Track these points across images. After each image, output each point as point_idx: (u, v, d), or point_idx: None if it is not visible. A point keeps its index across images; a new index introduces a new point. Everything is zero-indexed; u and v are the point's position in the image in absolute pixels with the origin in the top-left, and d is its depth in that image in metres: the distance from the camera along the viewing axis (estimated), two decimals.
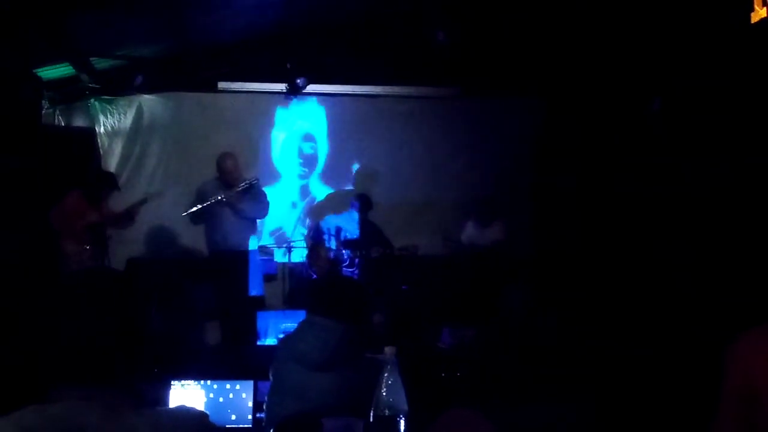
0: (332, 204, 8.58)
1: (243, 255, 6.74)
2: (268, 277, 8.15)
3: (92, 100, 8.20)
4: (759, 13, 5.05)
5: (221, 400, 3.18)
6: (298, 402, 2.71)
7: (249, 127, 8.64)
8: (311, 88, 8.50)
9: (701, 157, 6.05)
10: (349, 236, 7.53)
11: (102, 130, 8.27)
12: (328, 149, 8.91)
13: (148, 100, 8.37)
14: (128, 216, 6.76)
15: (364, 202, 7.70)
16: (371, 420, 1.93)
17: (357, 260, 7.55)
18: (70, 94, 8.05)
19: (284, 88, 8.44)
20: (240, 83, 8.56)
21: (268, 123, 8.78)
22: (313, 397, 2.70)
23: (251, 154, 8.49)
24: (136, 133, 8.38)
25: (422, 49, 7.84)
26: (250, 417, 3.17)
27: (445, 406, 1.92)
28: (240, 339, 6.35)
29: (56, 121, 8.11)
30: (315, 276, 7.37)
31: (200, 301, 6.82)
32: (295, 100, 8.70)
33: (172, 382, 3.18)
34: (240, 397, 3.19)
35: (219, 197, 6.57)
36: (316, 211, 8.70)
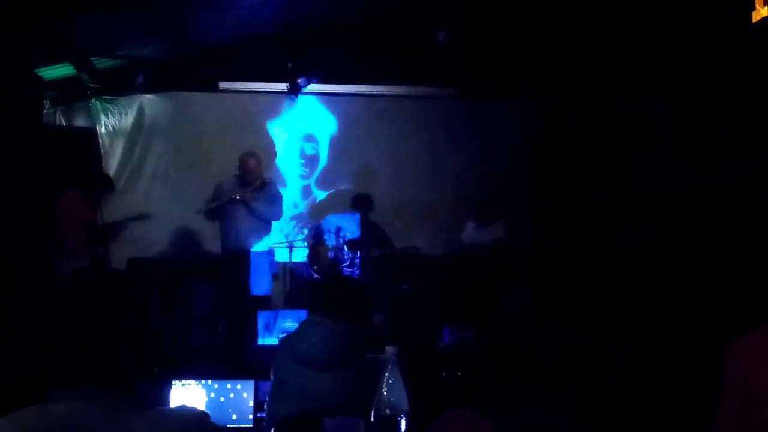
0: (333, 204, 8.58)
1: (244, 255, 6.74)
2: (271, 277, 8.15)
3: (93, 100, 8.20)
4: (760, 12, 5.04)
5: (222, 399, 3.18)
6: (299, 401, 2.71)
7: (250, 127, 8.64)
8: (312, 87, 8.50)
9: (702, 157, 6.04)
10: (349, 236, 7.53)
11: (103, 129, 8.27)
12: (329, 149, 8.92)
13: (149, 99, 8.38)
14: (115, 230, 6.75)
15: (364, 202, 7.70)
16: (372, 419, 1.93)
17: (358, 260, 7.54)
18: (71, 94, 8.06)
19: (285, 87, 8.44)
20: (241, 83, 8.56)
21: (269, 123, 8.78)
22: (314, 397, 2.70)
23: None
24: (137, 132, 8.38)
25: (423, 49, 7.84)
26: (251, 417, 3.17)
27: (446, 405, 1.92)
28: (241, 338, 6.35)
29: (57, 121, 8.13)
30: (316, 276, 7.37)
31: (201, 300, 6.82)
32: (296, 100, 8.70)
33: (173, 382, 3.18)
34: (241, 396, 3.19)
35: (234, 196, 6.60)
36: (317, 211, 8.71)
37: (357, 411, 2.21)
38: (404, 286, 7.26)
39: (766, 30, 5.00)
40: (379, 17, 7.62)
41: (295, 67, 8.22)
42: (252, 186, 6.68)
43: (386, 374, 1.92)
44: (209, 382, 3.19)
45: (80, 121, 8.29)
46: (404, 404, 1.91)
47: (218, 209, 6.71)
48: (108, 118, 8.29)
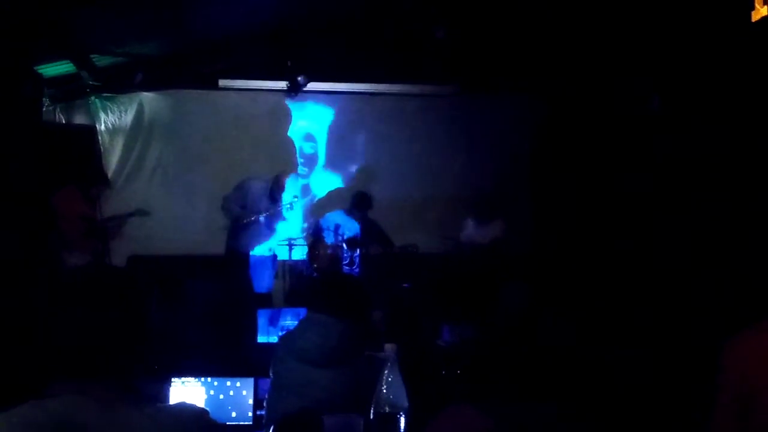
0: (332, 202, 8.58)
1: (244, 254, 6.78)
2: None
3: (93, 98, 8.20)
4: (759, 12, 5.04)
5: (221, 397, 3.19)
6: (299, 399, 2.71)
7: (249, 125, 8.64)
8: (312, 85, 8.50)
9: (701, 156, 6.04)
10: (349, 234, 7.53)
11: (103, 127, 8.27)
12: (328, 147, 8.92)
13: (148, 97, 8.37)
14: (115, 223, 6.79)
15: (364, 200, 7.69)
16: (372, 417, 1.93)
17: (357, 258, 7.55)
18: (70, 91, 8.05)
19: (285, 85, 8.44)
20: (241, 81, 8.56)
21: (268, 120, 8.78)
22: (313, 394, 2.70)
23: (252, 151, 8.50)
24: (137, 130, 8.38)
25: (422, 47, 7.84)
26: (250, 414, 3.17)
27: (445, 403, 1.92)
28: (240, 336, 6.36)
29: (57, 118, 8.12)
30: (315, 274, 7.37)
31: (201, 298, 6.82)
32: (295, 98, 8.70)
33: (173, 379, 3.18)
34: (240, 394, 3.19)
35: (265, 214, 6.96)
36: (316, 209, 8.71)
37: (356, 408, 2.22)
38: (403, 284, 7.26)
39: (765, 29, 5.00)
40: (378, 15, 7.61)
41: (294, 65, 8.22)
42: (281, 203, 6.90)
43: (386, 372, 1.93)
44: (209, 379, 3.20)
45: (80, 119, 8.28)
46: (403, 402, 1.91)
47: (248, 217, 6.90)
48: (107, 115, 8.29)
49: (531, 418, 1.90)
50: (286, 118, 8.82)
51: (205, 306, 6.79)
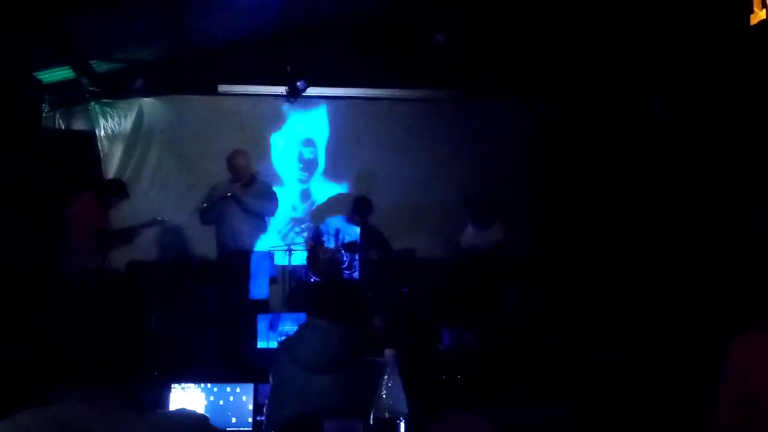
0: (332, 207, 8.57)
1: (245, 257, 6.74)
2: (270, 280, 8.14)
3: (92, 104, 8.20)
4: (758, 15, 5.05)
5: (221, 403, 3.18)
6: (299, 404, 2.71)
7: (249, 130, 8.64)
8: (311, 90, 8.50)
9: (700, 158, 6.05)
10: (348, 239, 7.52)
11: (102, 133, 8.27)
12: (328, 152, 8.92)
13: (148, 103, 8.38)
14: (128, 235, 6.83)
15: (365, 206, 7.68)
16: (371, 422, 1.93)
17: (356, 263, 7.54)
18: (70, 97, 8.06)
19: (284, 90, 8.44)
20: (240, 86, 8.56)
21: (268, 126, 8.78)
22: (313, 400, 2.70)
23: (251, 156, 8.48)
24: (137, 136, 8.38)
25: (422, 52, 7.85)
26: (250, 420, 3.17)
27: (445, 408, 1.92)
28: (239, 342, 6.35)
29: (56, 124, 8.12)
30: (315, 278, 7.36)
31: (201, 303, 6.81)
32: (295, 103, 8.70)
33: (173, 385, 3.18)
34: (240, 400, 3.19)
35: (226, 194, 6.62)
36: (316, 214, 8.71)
37: (356, 414, 2.21)
38: (403, 289, 7.25)
39: (764, 32, 5.00)
40: (378, 20, 7.63)
41: (294, 70, 8.22)
42: (239, 183, 6.69)
43: (385, 377, 1.92)
44: (209, 385, 3.19)
45: (79, 125, 8.29)
46: (403, 407, 1.91)
47: (211, 209, 6.72)
48: (107, 121, 8.29)
49: (531, 422, 1.89)
50: (285, 123, 8.82)
51: (204, 312, 6.79)
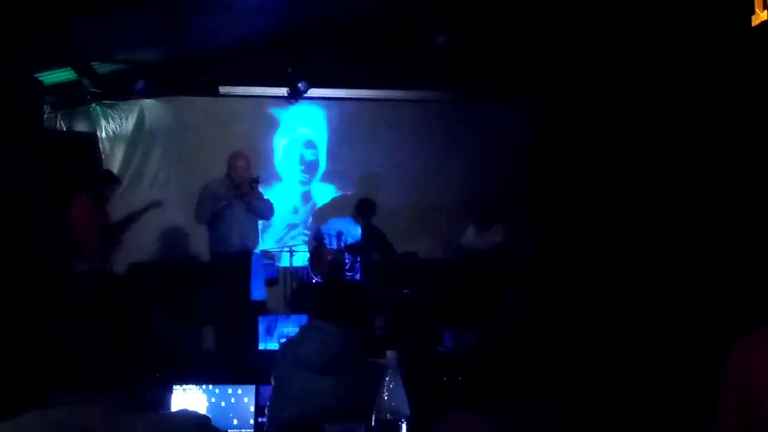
0: (334, 208, 8.58)
1: (245, 258, 6.73)
2: (270, 282, 8.14)
3: (94, 105, 8.20)
4: (760, 16, 5.04)
5: (223, 404, 3.18)
6: (300, 406, 2.71)
7: (250, 132, 8.64)
8: (312, 92, 8.50)
9: (701, 160, 6.04)
10: (350, 240, 7.52)
11: (103, 134, 8.28)
12: (329, 153, 8.92)
13: (149, 104, 8.38)
14: (129, 222, 6.90)
15: (368, 207, 7.67)
16: (373, 424, 1.92)
17: (358, 265, 7.54)
18: (71, 98, 8.06)
19: (285, 92, 8.44)
20: (241, 87, 8.56)
21: (269, 127, 8.79)
22: (314, 401, 2.70)
23: (252, 158, 8.48)
24: (138, 137, 8.39)
25: (423, 53, 7.85)
26: (252, 421, 3.17)
27: (447, 409, 1.92)
28: (241, 343, 6.35)
29: (58, 125, 8.13)
30: (317, 280, 7.36)
31: (202, 305, 6.81)
32: (296, 104, 8.71)
33: (174, 387, 3.18)
34: (242, 401, 3.19)
35: (233, 195, 6.59)
36: (318, 216, 8.71)
37: (358, 415, 2.21)
38: (405, 291, 7.25)
39: (765, 34, 5.00)
40: (378, 21, 7.62)
41: (295, 71, 8.22)
42: (245, 185, 6.66)
43: (387, 379, 1.92)
44: (210, 387, 3.20)
45: (81, 126, 8.30)
46: (405, 409, 1.91)
47: (218, 212, 6.66)
48: (108, 122, 8.30)
49: (532, 423, 1.90)
50: (286, 125, 8.83)
51: (206, 313, 6.79)
